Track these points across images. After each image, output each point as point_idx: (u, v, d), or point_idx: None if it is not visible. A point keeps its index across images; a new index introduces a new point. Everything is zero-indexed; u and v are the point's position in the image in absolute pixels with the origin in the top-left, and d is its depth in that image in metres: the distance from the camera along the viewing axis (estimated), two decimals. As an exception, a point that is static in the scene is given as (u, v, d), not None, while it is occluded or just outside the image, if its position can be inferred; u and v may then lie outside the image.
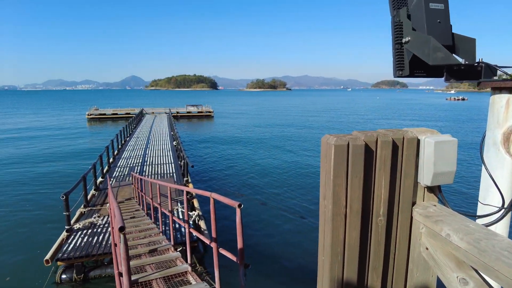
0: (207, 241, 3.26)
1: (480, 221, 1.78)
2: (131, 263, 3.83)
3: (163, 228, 5.75)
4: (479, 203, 1.83)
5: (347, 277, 1.71)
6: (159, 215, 5.21)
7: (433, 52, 1.54)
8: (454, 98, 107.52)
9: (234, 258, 2.75)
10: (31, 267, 7.32)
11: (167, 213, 4.59)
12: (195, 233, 3.88)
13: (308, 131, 33.88)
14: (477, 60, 1.67)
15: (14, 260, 7.92)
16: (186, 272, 3.58)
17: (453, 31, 1.67)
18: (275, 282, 7.26)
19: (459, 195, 12.59)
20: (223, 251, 3.00)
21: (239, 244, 2.69)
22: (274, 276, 7.46)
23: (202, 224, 8.52)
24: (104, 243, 7.07)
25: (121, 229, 1.93)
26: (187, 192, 11.40)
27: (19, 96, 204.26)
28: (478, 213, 1.83)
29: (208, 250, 8.10)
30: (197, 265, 7.33)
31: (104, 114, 47.38)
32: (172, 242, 4.29)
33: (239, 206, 2.80)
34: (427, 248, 1.68)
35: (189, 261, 3.82)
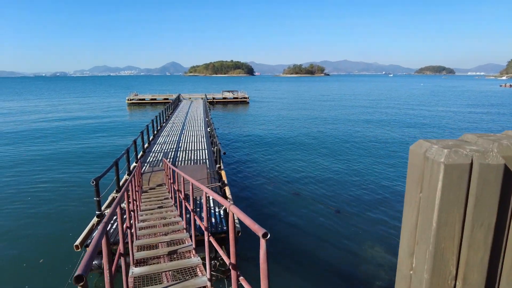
0: (226, 260, 2.69)
1: None
2: (147, 268, 3.44)
3: (187, 225, 5.35)
4: None
5: None
6: (184, 210, 4.81)
7: None
8: (510, 85, 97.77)
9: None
10: (63, 251, 7.35)
11: (189, 206, 4.13)
12: (215, 244, 3.33)
13: (348, 120, 32.34)
14: None
15: (48, 242, 8.06)
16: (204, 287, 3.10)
17: None
18: (304, 281, 6.69)
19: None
20: (244, 283, 2.37)
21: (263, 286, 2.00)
22: (303, 273, 6.88)
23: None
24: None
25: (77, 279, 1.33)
26: (219, 178, 11.11)
27: (70, 81, 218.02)
28: None
29: (240, 243, 7.69)
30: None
31: (143, 100, 48.72)
32: (193, 245, 3.83)
33: (264, 236, 1.83)
34: None
35: (208, 275, 3.32)
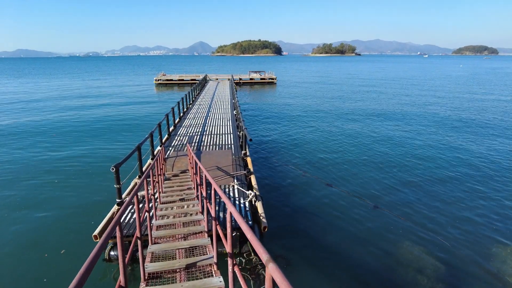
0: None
1: None
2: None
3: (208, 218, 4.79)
4: None
5: None
6: (205, 205, 4.24)
7: None
8: None
9: None
10: (85, 240, 7.10)
11: (211, 210, 3.56)
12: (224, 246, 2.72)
13: (378, 104, 30.60)
14: None
15: (70, 231, 7.89)
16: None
17: None
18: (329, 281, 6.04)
19: None
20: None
21: None
22: (332, 273, 6.23)
23: (259, 206, 7.46)
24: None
25: None
26: (245, 166, 10.53)
27: (102, 61, 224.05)
28: None
29: (266, 237, 7.14)
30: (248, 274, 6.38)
31: (171, 80, 48.76)
32: (215, 259, 3.24)
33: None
34: None
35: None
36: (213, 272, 3.07)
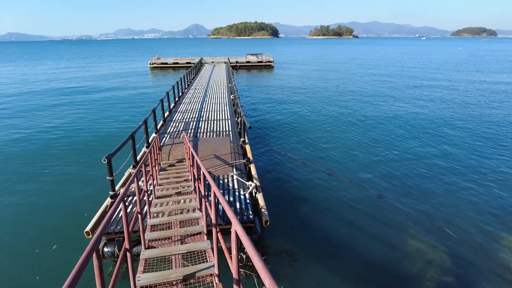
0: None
1: None
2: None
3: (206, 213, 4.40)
4: None
5: None
6: (204, 198, 3.84)
7: None
8: None
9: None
10: (77, 236, 6.71)
11: (211, 213, 3.16)
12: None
13: (377, 87, 30.07)
14: None
15: (62, 225, 7.51)
16: None
17: None
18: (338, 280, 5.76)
19: None
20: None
21: None
22: (336, 267, 5.95)
23: (260, 198, 7.09)
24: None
25: None
26: (243, 154, 10.12)
27: (95, 45, 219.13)
28: None
29: (267, 231, 6.79)
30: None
31: (166, 63, 47.64)
32: (216, 269, 2.84)
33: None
34: None
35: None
36: (215, 284, 2.70)
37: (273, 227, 6.80)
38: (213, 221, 2.70)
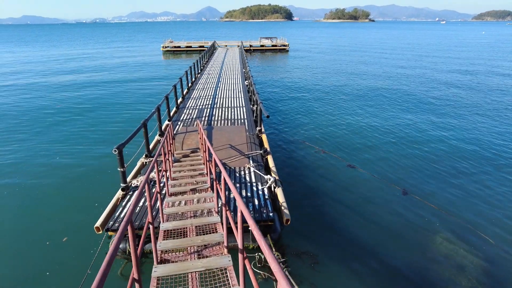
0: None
1: None
2: None
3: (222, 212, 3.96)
4: None
5: None
6: (222, 196, 3.40)
7: None
8: None
9: None
10: (87, 230, 6.42)
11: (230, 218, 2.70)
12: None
13: (395, 79, 28.86)
14: None
15: (73, 216, 7.26)
16: None
17: None
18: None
19: None
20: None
21: None
22: (356, 267, 5.51)
23: (279, 193, 6.63)
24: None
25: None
26: (260, 144, 9.63)
27: (109, 27, 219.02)
28: None
29: (287, 229, 6.36)
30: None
31: (179, 47, 46.96)
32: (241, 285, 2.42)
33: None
34: None
35: None
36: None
37: (293, 225, 6.37)
38: (240, 245, 2.24)
